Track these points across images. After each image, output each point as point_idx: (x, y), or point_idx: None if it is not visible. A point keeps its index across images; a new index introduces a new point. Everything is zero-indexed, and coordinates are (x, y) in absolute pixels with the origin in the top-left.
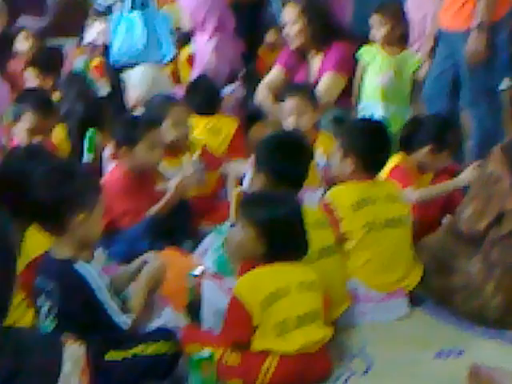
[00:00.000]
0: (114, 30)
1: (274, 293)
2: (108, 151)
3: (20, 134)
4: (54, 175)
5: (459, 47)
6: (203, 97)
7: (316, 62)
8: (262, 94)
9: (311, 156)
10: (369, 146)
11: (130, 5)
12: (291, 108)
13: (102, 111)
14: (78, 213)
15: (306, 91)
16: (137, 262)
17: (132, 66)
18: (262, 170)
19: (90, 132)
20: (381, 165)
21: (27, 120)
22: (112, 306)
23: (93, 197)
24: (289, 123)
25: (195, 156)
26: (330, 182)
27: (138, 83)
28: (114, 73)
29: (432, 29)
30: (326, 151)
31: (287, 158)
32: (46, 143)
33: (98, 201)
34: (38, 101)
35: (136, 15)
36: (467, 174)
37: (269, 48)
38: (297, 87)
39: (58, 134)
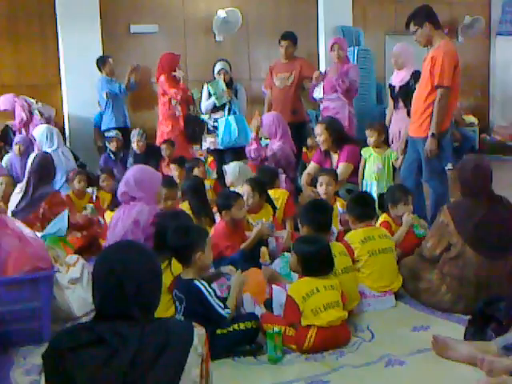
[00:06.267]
0: (219, 128)
1: (310, 291)
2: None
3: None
4: (179, 230)
5: (421, 147)
6: (267, 177)
7: (335, 157)
8: (304, 180)
9: (332, 212)
10: (357, 208)
11: (227, 113)
12: (322, 181)
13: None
14: (196, 252)
15: (332, 173)
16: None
17: (231, 148)
18: (304, 223)
19: None
20: (369, 216)
21: (162, 192)
22: (218, 304)
23: (204, 241)
24: (321, 190)
25: (270, 221)
26: (344, 224)
27: (230, 173)
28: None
29: (403, 136)
30: (342, 207)
31: (319, 214)
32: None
33: (207, 243)
34: (165, 180)
35: (231, 118)
36: (406, 220)
37: (311, 148)
38: (327, 170)
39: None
